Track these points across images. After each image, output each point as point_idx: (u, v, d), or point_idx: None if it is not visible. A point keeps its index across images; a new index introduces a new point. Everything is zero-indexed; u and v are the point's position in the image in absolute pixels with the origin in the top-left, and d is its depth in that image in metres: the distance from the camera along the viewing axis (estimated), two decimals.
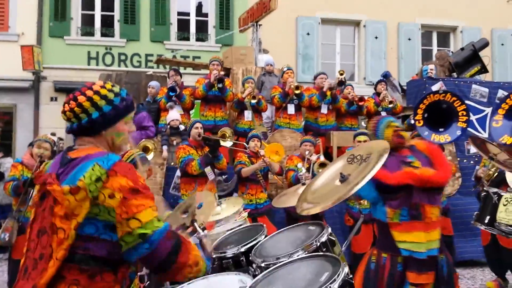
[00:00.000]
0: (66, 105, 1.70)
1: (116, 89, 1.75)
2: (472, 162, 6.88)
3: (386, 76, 8.89)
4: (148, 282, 3.08)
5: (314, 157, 5.37)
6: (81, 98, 1.67)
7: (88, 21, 12.16)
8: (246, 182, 5.46)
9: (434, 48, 13.94)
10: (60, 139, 8.53)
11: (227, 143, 5.29)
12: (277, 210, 6.08)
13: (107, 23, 12.19)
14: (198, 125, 5.41)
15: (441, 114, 5.16)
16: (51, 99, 11.70)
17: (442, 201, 5.64)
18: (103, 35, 12.14)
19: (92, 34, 12.09)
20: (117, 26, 12.09)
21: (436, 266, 2.67)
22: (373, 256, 2.79)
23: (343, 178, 1.78)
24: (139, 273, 3.18)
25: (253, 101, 6.63)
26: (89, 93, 1.68)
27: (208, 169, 5.26)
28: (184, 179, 5.40)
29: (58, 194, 1.58)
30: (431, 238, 2.66)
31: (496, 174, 4.44)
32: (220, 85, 6.63)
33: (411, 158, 2.79)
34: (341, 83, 7.38)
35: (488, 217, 3.54)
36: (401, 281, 2.65)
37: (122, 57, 11.98)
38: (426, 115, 5.20)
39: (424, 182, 2.58)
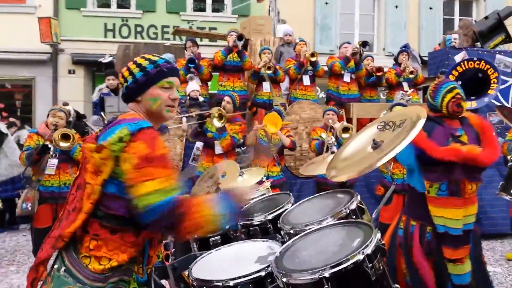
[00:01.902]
0: (125, 70, 1.82)
1: (155, 58, 1.81)
2: (507, 133, 6.78)
3: (406, 47, 8.70)
4: (174, 249, 3.14)
5: (337, 125, 5.33)
6: (124, 70, 1.81)
7: None
8: (258, 155, 5.47)
9: (456, 17, 13.54)
10: (79, 115, 8.58)
11: (218, 124, 5.23)
12: (298, 180, 6.13)
13: None
14: (227, 98, 5.49)
15: (474, 83, 5.11)
16: (69, 71, 11.77)
17: None
18: (119, 6, 12.07)
19: (108, 6, 12.03)
20: None
21: (469, 239, 2.66)
22: (401, 223, 2.78)
23: (376, 145, 1.75)
24: (164, 241, 3.25)
25: (269, 72, 6.56)
26: (130, 63, 1.81)
27: (217, 143, 5.37)
28: (205, 149, 5.59)
29: (86, 151, 1.67)
30: (469, 213, 2.63)
31: None
32: (241, 42, 6.58)
33: (460, 131, 2.70)
34: (365, 44, 7.25)
35: None
36: (429, 251, 2.64)
37: (139, 29, 11.93)
38: (460, 83, 5.16)
39: (468, 161, 2.52)
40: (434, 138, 2.59)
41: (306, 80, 6.89)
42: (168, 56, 7.10)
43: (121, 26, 11.89)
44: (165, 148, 1.68)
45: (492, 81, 4.84)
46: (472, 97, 5.04)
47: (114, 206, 1.66)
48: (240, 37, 6.63)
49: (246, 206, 2.79)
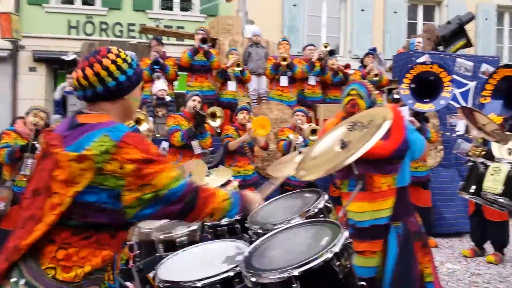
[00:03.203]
0: (88, 69, 1.64)
1: (129, 59, 1.75)
2: (454, 135, 6.99)
3: (373, 51, 8.87)
4: (139, 251, 3.08)
5: (305, 126, 5.38)
6: (106, 61, 1.65)
7: None
8: (233, 155, 5.45)
9: (420, 21, 13.93)
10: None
11: (214, 123, 5.19)
12: (264, 180, 6.12)
13: None
14: (196, 97, 5.32)
15: (428, 86, 5.26)
16: (30, 69, 11.38)
17: (423, 171, 5.76)
18: (83, 3, 11.77)
19: (72, 2, 11.71)
20: None
21: (384, 235, 2.64)
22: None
23: (344, 145, 1.77)
24: (128, 243, 3.18)
25: (238, 69, 6.55)
26: (112, 56, 1.69)
27: (195, 143, 5.21)
28: (171, 149, 5.40)
29: (62, 158, 1.52)
30: (379, 208, 2.63)
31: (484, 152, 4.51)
32: (205, 46, 6.53)
33: None
34: (332, 52, 7.35)
35: (474, 187, 3.61)
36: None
37: (104, 26, 11.66)
38: (413, 85, 5.31)
39: (365, 155, 2.51)
40: None
41: (283, 81, 6.92)
42: (131, 54, 6.96)
43: (85, 23, 11.60)
44: (153, 145, 1.67)
45: (445, 84, 4.99)
46: (426, 100, 5.17)
47: (92, 215, 1.55)
48: (203, 40, 6.58)
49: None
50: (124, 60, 1.69)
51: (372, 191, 2.61)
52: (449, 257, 5.33)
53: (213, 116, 5.17)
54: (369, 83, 2.97)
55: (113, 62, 1.66)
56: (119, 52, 1.72)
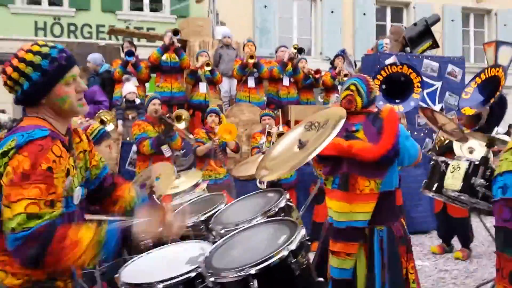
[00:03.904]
0: (3, 75, 1.56)
1: (45, 49, 1.55)
2: (422, 134, 7.16)
3: (343, 52, 9.00)
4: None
5: (274, 129, 5.43)
6: (8, 70, 1.52)
7: None
8: (204, 158, 5.45)
9: (388, 23, 14.22)
10: (14, 120, 8.11)
11: (181, 125, 5.17)
12: (240, 182, 6.14)
13: None
14: (155, 101, 5.25)
15: (399, 87, 5.40)
16: None
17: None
18: (51, 4, 11.56)
19: (39, 3, 11.48)
20: None
21: (362, 237, 2.57)
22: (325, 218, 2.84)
23: (301, 145, 1.81)
24: None
25: (207, 68, 6.55)
26: (15, 62, 1.52)
27: (164, 147, 5.18)
28: (139, 157, 5.34)
29: None
30: (357, 210, 2.53)
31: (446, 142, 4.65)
32: (177, 36, 6.55)
33: (357, 126, 2.63)
34: (300, 50, 7.43)
35: (436, 184, 3.72)
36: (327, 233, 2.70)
37: (72, 28, 11.48)
38: (384, 86, 5.44)
39: (351, 155, 2.48)
40: None
41: (251, 82, 6.95)
42: (96, 56, 6.89)
43: (52, 24, 11.39)
44: (55, 163, 1.48)
45: (415, 85, 5.15)
46: (397, 101, 5.31)
47: None
48: (175, 32, 6.57)
49: (180, 208, 2.78)
50: (29, 63, 1.51)
51: (354, 192, 2.53)
52: (418, 254, 5.44)
53: (178, 118, 5.14)
54: (371, 80, 2.83)
55: (15, 68, 1.52)
56: (27, 52, 1.54)
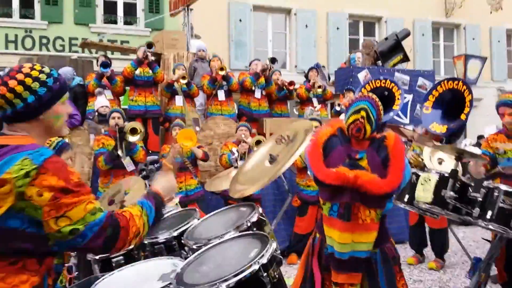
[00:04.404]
0: (2, 87, 1.57)
1: (47, 69, 1.65)
2: (405, 150, 7.30)
3: (317, 66, 9.15)
4: (77, 272, 2.99)
5: (249, 140, 5.43)
6: (12, 83, 1.56)
7: (5, 0, 11.33)
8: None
9: (361, 37, 14.52)
10: None
11: (133, 139, 5.06)
12: (212, 196, 6.11)
13: (27, 3, 11.42)
14: (115, 114, 5.17)
15: (383, 101, 5.51)
16: None
17: None
18: (22, 16, 11.38)
19: (10, 16, 11.28)
20: (37, 7, 11.38)
21: (363, 266, 2.51)
22: (313, 234, 2.73)
23: (272, 159, 1.83)
24: (66, 265, 3.08)
25: (184, 81, 6.54)
26: (20, 76, 1.57)
27: (127, 161, 5.10)
28: (101, 172, 5.24)
29: None
30: (360, 240, 2.46)
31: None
32: (151, 49, 6.54)
33: (361, 154, 2.52)
34: (273, 60, 7.50)
35: (407, 196, 3.76)
36: (326, 266, 2.56)
37: (44, 41, 11.31)
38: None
39: (357, 187, 2.37)
40: (332, 157, 2.48)
41: (221, 95, 6.95)
42: (67, 70, 6.79)
43: (24, 37, 11.20)
44: (75, 173, 1.58)
45: (397, 98, 5.28)
46: None
47: (16, 241, 1.50)
48: (149, 45, 6.56)
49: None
50: (35, 79, 1.60)
51: (356, 221, 2.43)
52: None
53: (133, 131, 5.06)
54: (379, 102, 2.65)
55: (20, 82, 1.57)
56: (31, 69, 1.61)
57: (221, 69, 6.74)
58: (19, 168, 1.47)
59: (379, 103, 2.63)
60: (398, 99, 5.60)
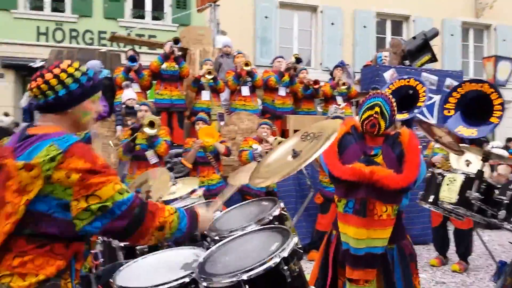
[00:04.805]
0: (33, 81, 1.69)
1: (83, 68, 1.76)
2: (420, 146, 7.20)
3: (342, 64, 9.08)
4: (102, 259, 3.07)
5: (271, 139, 5.44)
6: (48, 76, 1.67)
7: None
8: (196, 166, 5.48)
9: (388, 36, 14.33)
10: (17, 124, 8.16)
11: (151, 132, 5.13)
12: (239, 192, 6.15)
13: None
14: (143, 107, 5.35)
15: (406, 100, 5.49)
16: None
17: None
18: (53, 9, 11.65)
19: (41, 9, 11.57)
20: (68, 0, 11.64)
21: (379, 262, 2.50)
22: (330, 231, 2.76)
23: (295, 154, 1.84)
24: (92, 251, 3.16)
25: (209, 76, 6.60)
26: (56, 71, 1.69)
27: (149, 153, 5.21)
28: (130, 162, 5.43)
29: (11, 168, 1.56)
30: (375, 236, 2.46)
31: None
32: (177, 45, 6.61)
33: (376, 150, 2.53)
34: (298, 60, 7.49)
35: (432, 196, 3.73)
36: (343, 260, 2.55)
37: (74, 34, 11.57)
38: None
39: (373, 182, 2.38)
40: (347, 154, 2.51)
41: (245, 90, 6.99)
42: (94, 63, 6.92)
43: (55, 30, 11.47)
44: (100, 157, 1.66)
45: (421, 95, 5.22)
46: (404, 111, 5.40)
47: (45, 225, 1.58)
48: (176, 40, 6.64)
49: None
50: (70, 75, 1.70)
51: (372, 217, 2.43)
52: None
53: (151, 124, 5.14)
54: (393, 99, 2.65)
55: (56, 76, 1.68)
56: (69, 66, 1.72)
57: (246, 64, 6.77)
58: (45, 154, 1.55)
59: (393, 100, 2.63)
60: (423, 96, 5.56)
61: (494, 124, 4.50)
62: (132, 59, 6.50)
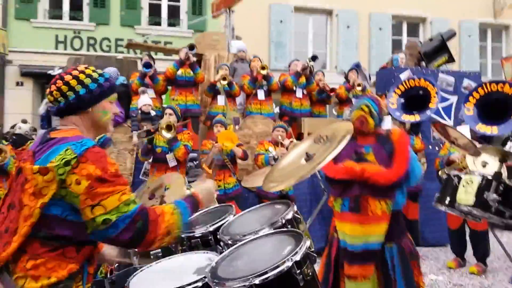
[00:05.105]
0: (53, 85, 1.75)
1: (100, 71, 1.84)
2: (437, 148, 7.09)
3: (357, 66, 9.02)
4: (117, 264, 3.09)
5: (286, 142, 5.43)
6: (67, 77, 1.73)
7: (56, 3, 11.87)
8: (212, 169, 5.50)
9: (404, 38, 14.20)
10: (34, 129, 8.31)
11: (167, 135, 5.18)
12: (249, 194, 6.15)
13: (76, 6, 11.92)
14: (167, 111, 5.43)
15: (418, 101, 5.45)
16: (17, 83, 11.41)
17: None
18: (71, 18, 11.87)
19: (60, 17, 11.80)
20: (86, 9, 11.84)
21: (376, 258, 2.58)
22: (331, 234, 2.84)
23: (308, 157, 1.83)
24: None
25: (224, 82, 6.63)
26: (75, 72, 1.75)
27: (169, 156, 5.27)
28: (151, 164, 5.58)
29: (28, 172, 1.60)
30: (371, 232, 2.55)
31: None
32: (192, 51, 6.66)
33: (367, 149, 2.66)
34: (314, 57, 7.47)
35: (448, 198, 3.68)
36: (342, 261, 2.65)
37: (91, 41, 11.75)
38: (403, 100, 5.50)
39: (364, 179, 2.49)
40: (339, 155, 2.49)
41: (261, 94, 7.00)
42: (111, 70, 7.01)
43: (73, 38, 11.69)
44: (115, 164, 1.68)
45: (432, 96, 5.18)
46: (414, 112, 5.35)
47: (58, 228, 1.61)
48: (191, 46, 6.69)
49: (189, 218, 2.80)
50: (88, 75, 1.76)
51: (366, 214, 2.55)
52: (432, 268, 5.37)
53: (169, 128, 5.19)
54: (381, 100, 2.87)
55: (75, 77, 1.74)
56: (86, 68, 1.79)
57: (263, 68, 6.78)
58: (61, 157, 1.58)
59: (381, 100, 2.85)
60: (435, 97, 5.50)
61: None
62: (147, 65, 6.57)
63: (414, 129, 5.97)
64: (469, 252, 5.33)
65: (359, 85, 7.47)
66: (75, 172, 1.58)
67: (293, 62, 7.56)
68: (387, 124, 5.41)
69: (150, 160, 5.71)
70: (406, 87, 5.60)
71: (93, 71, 1.80)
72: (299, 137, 7.01)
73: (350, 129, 1.90)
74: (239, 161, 5.76)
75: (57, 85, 1.73)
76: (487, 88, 4.72)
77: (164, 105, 7.32)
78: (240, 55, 7.74)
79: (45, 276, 1.60)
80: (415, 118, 5.55)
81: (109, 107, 1.83)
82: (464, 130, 4.80)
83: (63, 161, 1.58)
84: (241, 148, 5.55)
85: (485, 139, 4.93)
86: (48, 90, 1.77)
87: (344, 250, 2.59)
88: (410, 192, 5.69)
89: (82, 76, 1.75)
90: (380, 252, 2.58)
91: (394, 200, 2.59)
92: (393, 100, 5.57)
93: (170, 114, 5.37)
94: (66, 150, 1.60)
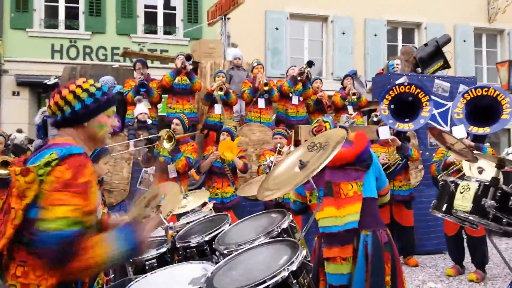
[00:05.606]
0: (51, 99, 1.79)
1: (98, 84, 1.86)
2: (434, 154, 7.10)
3: (354, 74, 9.04)
4: (113, 275, 3.07)
5: (286, 149, 5.42)
6: (64, 92, 1.77)
7: (51, 13, 11.88)
8: (211, 176, 5.47)
9: (399, 44, 14.26)
10: (30, 141, 8.28)
11: (167, 145, 5.15)
12: (246, 201, 6.13)
13: (72, 15, 11.93)
14: (175, 120, 5.41)
15: (408, 106, 5.45)
16: (13, 93, 11.38)
17: (405, 190, 5.85)
18: (67, 27, 11.88)
19: (56, 27, 11.80)
20: (81, 18, 11.84)
21: (352, 239, 2.65)
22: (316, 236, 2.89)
23: (302, 165, 1.83)
24: None
25: (220, 93, 6.61)
26: (72, 87, 1.78)
27: (170, 167, 5.26)
28: (154, 173, 5.65)
29: (12, 174, 1.63)
30: (347, 212, 2.65)
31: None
32: (189, 62, 6.62)
33: None
34: (310, 63, 7.47)
35: (445, 205, 3.65)
36: (323, 259, 2.70)
37: (87, 50, 11.75)
38: (392, 106, 5.50)
39: (331, 162, 2.51)
40: None
41: (261, 103, 6.96)
42: (107, 78, 6.99)
43: (69, 47, 11.68)
44: (92, 177, 1.65)
45: (424, 104, 5.17)
46: (406, 120, 5.34)
47: (35, 231, 1.58)
48: (188, 57, 6.67)
49: (185, 228, 2.78)
50: (85, 90, 1.79)
51: (339, 197, 2.65)
52: (431, 276, 5.35)
53: (170, 138, 5.17)
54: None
55: (72, 92, 1.77)
56: (84, 82, 1.81)
57: (266, 84, 6.73)
58: (45, 160, 1.60)
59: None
60: (427, 105, 5.50)
61: (506, 120, 4.65)
62: (142, 85, 6.53)
63: (406, 136, 5.98)
64: (468, 259, 5.31)
65: (354, 94, 7.47)
66: (51, 173, 1.59)
67: (290, 68, 7.55)
68: (385, 134, 5.42)
69: (150, 170, 5.70)
70: (395, 92, 5.61)
71: (91, 85, 1.82)
72: (296, 144, 7.00)
73: (343, 136, 1.89)
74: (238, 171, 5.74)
75: (55, 99, 1.77)
76: (472, 93, 4.91)
77: (160, 114, 7.32)
78: (236, 62, 7.74)
79: (34, 284, 1.60)
80: (409, 126, 5.55)
81: (106, 121, 1.84)
82: (461, 129, 4.86)
83: (45, 161, 1.60)
84: (243, 160, 5.53)
85: (477, 139, 5.05)
86: (47, 102, 1.81)
87: (323, 234, 2.67)
88: (403, 199, 5.73)
89: (79, 91, 1.78)
90: (356, 238, 2.65)
91: (364, 184, 2.70)
92: (384, 107, 5.57)
93: (176, 124, 5.33)
94: (52, 153, 1.62)
